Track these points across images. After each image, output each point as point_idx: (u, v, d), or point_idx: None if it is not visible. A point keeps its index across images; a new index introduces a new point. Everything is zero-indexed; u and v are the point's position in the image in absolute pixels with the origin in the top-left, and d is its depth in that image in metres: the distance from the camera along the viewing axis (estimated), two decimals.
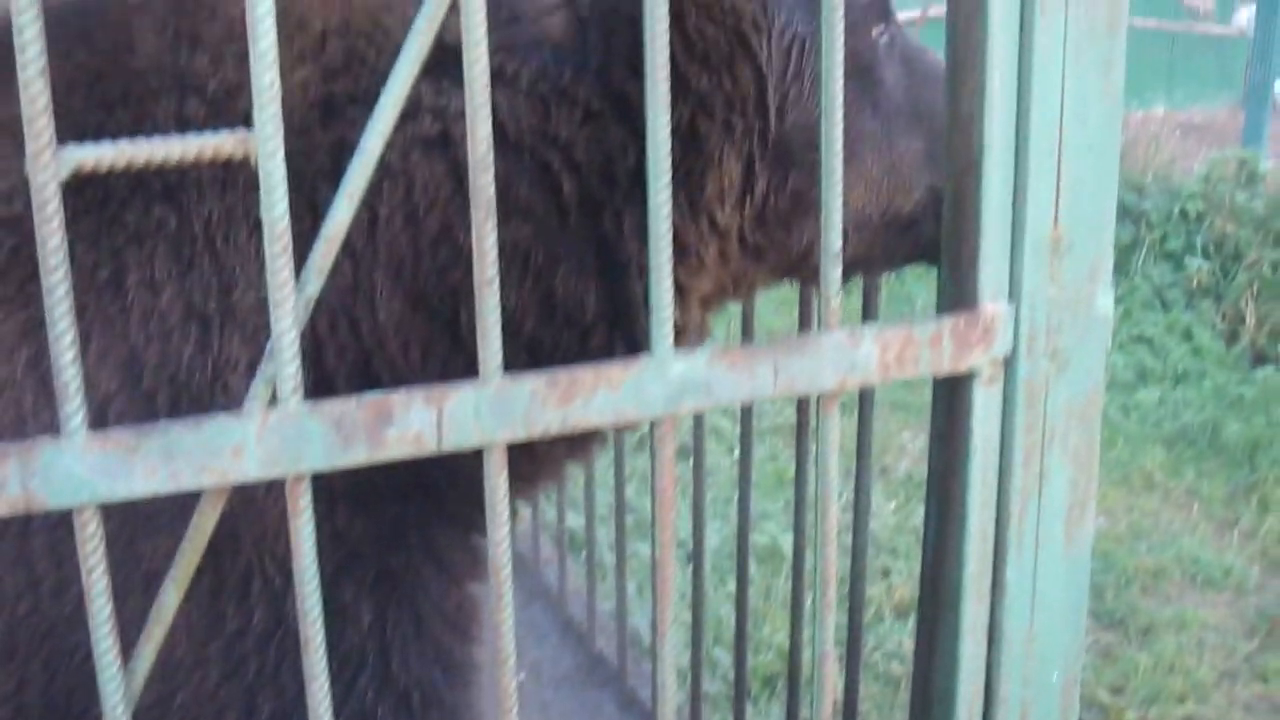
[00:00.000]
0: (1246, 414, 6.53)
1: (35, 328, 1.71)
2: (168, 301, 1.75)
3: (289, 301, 1.30)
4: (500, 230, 1.81)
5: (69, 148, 1.24)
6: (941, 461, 1.67)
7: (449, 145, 1.83)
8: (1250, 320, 7.39)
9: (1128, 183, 8.51)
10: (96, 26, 1.83)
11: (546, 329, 1.90)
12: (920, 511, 5.45)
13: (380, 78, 1.78)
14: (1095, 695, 4.32)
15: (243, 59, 1.78)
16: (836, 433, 1.50)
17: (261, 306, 1.73)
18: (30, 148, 1.22)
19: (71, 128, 1.68)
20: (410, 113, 1.80)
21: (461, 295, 1.82)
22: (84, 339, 1.72)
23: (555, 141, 1.85)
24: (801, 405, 2.65)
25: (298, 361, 1.31)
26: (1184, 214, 8.21)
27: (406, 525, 1.91)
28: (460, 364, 1.67)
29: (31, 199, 1.24)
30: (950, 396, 1.62)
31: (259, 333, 1.75)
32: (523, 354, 1.89)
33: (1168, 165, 9.29)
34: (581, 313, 1.90)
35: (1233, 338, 7.44)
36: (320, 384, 1.80)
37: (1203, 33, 13.34)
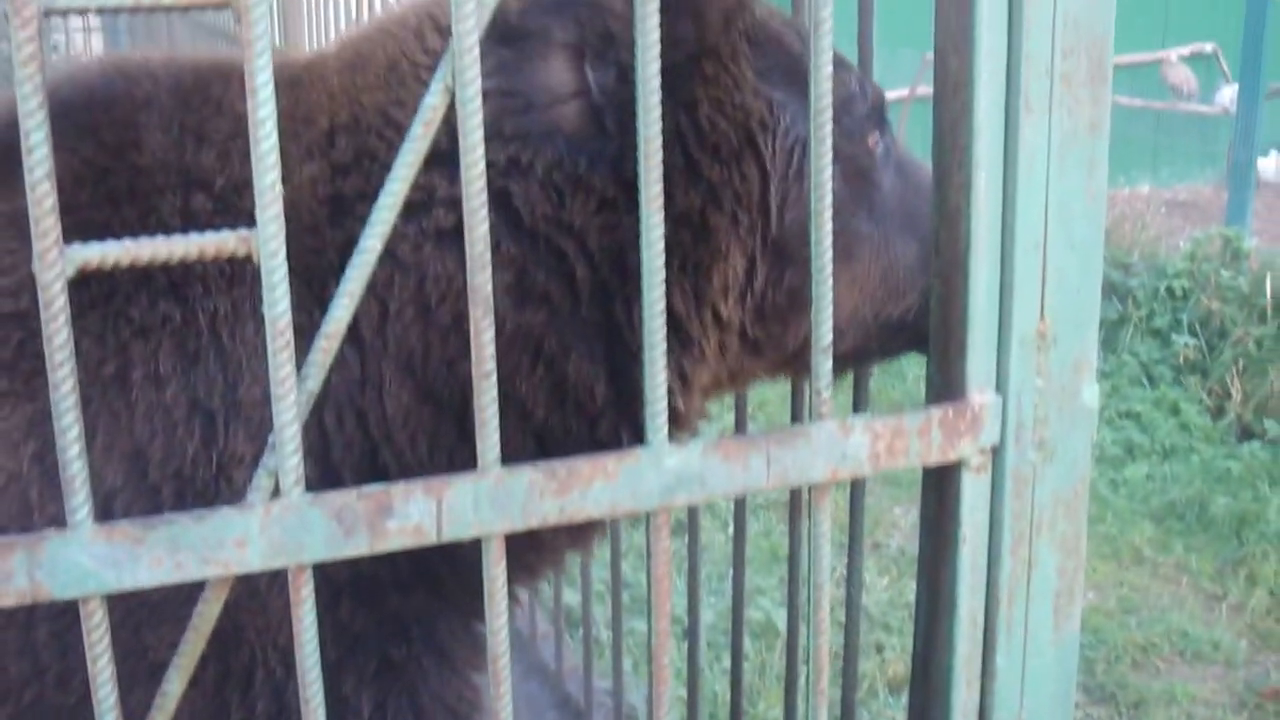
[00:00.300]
0: (1234, 488, 6.56)
1: (41, 421, 1.73)
2: (172, 396, 1.77)
3: (290, 396, 1.33)
4: (515, 315, 1.83)
5: (75, 247, 1.27)
6: (931, 548, 1.69)
7: (463, 237, 1.84)
8: (1236, 396, 7.44)
9: (1115, 260, 8.60)
10: (103, 123, 1.86)
11: (556, 416, 1.91)
12: (913, 587, 5.49)
13: (388, 169, 1.83)
14: None
15: (249, 155, 1.82)
16: (829, 523, 1.53)
17: (266, 400, 1.75)
18: (37, 246, 1.25)
19: (77, 223, 1.71)
20: (423, 205, 1.82)
21: (471, 386, 1.85)
22: (89, 433, 1.73)
23: (570, 229, 1.87)
24: None
25: (299, 454, 1.34)
26: (1170, 291, 8.29)
27: (408, 616, 1.92)
28: (467, 455, 1.69)
29: (38, 296, 1.27)
30: (939, 485, 1.65)
31: (264, 427, 1.77)
32: (531, 441, 1.90)
33: (1154, 242, 9.39)
34: (591, 400, 1.91)
35: (1219, 413, 7.49)
36: (327, 476, 1.81)
37: (1187, 111, 13.50)
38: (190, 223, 1.81)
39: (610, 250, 1.88)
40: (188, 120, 1.88)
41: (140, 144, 1.86)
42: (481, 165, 1.34)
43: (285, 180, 1.81)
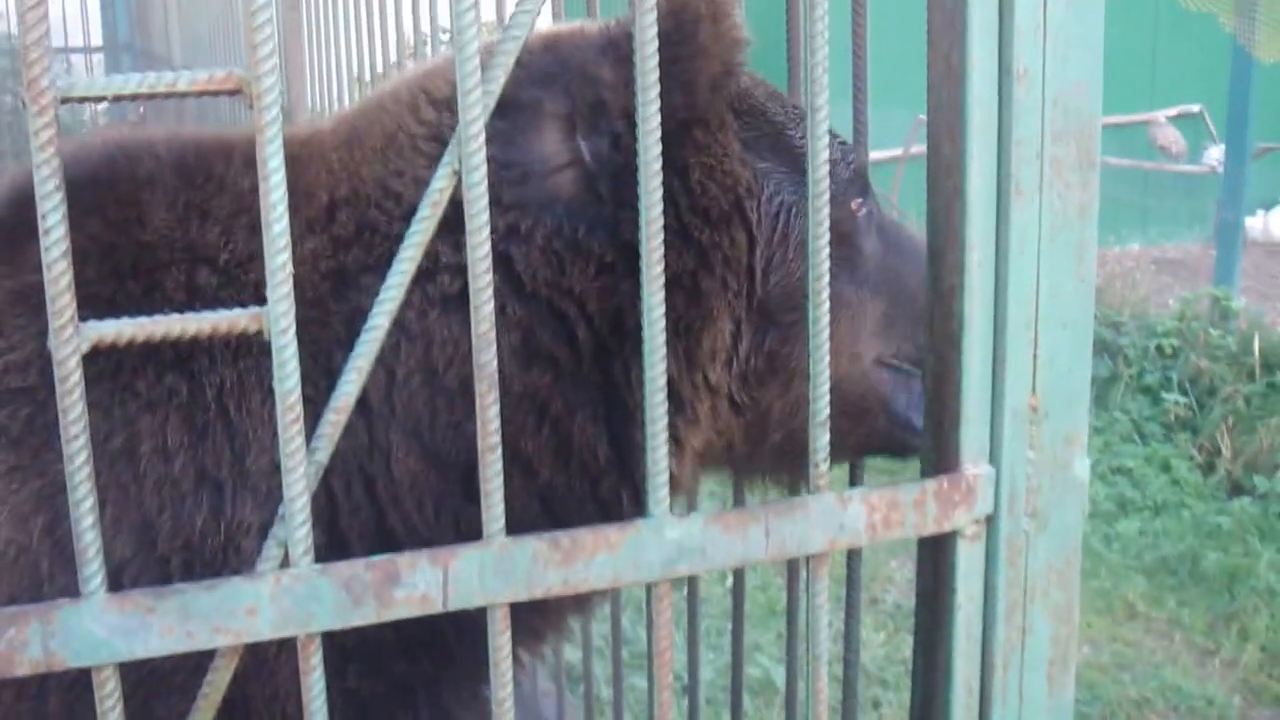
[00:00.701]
0: (1224, 543, 6.58)
1: (51, 495, 1.75)
2: (181, 468, 1.80)
3: (300, 468, 1.36)
4: (521, 377, 1.86)
5: (90, 324, 1.31)
6: (927, 615, 1.72)
7: (465, 300, 1.87)
8: (1226, 452, 7.47)
9: (1105, 319, 8.65)
10: (108, 200, 1.89)
11: (561, 476, 1.94)
12: (909, 642, 5.49)
13: (390, 241, 1.86)
14: None
15: (253, 230, 1.84)
16: (826, 594, 1.56)
17: (274, 470, 1.77)
18: (53, 323, 1.29)
19: (84, 298, 1.73)
20: (428, 272, 1.85)
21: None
22: (100, 505, 1.76)
23: (570, 293, 1.90)
24: None
25: (309, 525, 1.37)
26: (1160, 350, 8.35)
27: (414, 682, 1.94)
28: (473, 518, 1.73)
29: (54, 371, 1.30)
30: (934, 554, 1.68)
31: (271, 496, 1.79)
32: (536, 502, 1.93)
33: (1143, 301, 9.46)
34: (595, 461, 1.94)
35: (1209, 469, 7.51)
36: (334, 542, 1.84)
37: (1175, 171, 13.61)
38: (195, 297, 1.84)
39: (609, 313, 1.91)
40: (191, 198, 1.91)
41: (144, 220, 1.89)
42: (487, 245, 1.38)
43: None
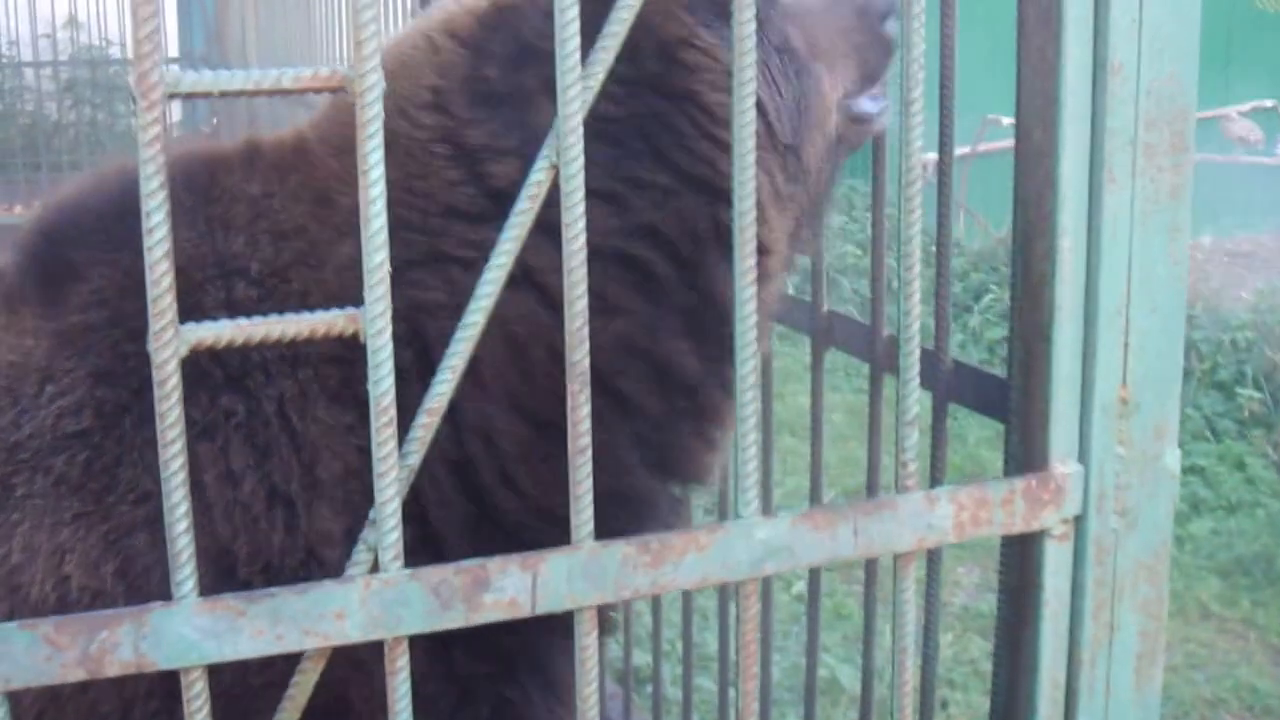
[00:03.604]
0: None
1: (118, 538, 1.76)
2: (250, 490, 1.79)
3: (392, 473, 1.36)
4: (610, 325, 1.85)
5: (189, 326, 1.31)
6: (1012, 612, 1.70)
7: (531, 275, 1.86)
8: None
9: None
10: (136, 230, 1.90)
11: (662, 403, 1.96)
12: (976, 644, 5.46)
13: (428, 235, 1.86)
14: None
15: (275, 235, 1.87)
16: (913, 592, 1.54)
17: (348, 475, 1.77)
18: (153, 326, 1.29)
19: (130, 333, 1.76)
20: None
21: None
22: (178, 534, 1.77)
23: (640, 229, 1.92)
24: None
25: (399, 530, 1.37)
26: (1234, 344, 8.22)
27: (517, 654, 1.93)
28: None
29: (152, 375, 1.31)
30: (1021, 552, 1.66)
31: (349, 501, 1.79)
32: (638, 446, 1.95)
33: (1216, 294, 9.33)
34: (688, 375, 1.96)
35: None
36: (426, 539, 1.83)
37: (1249, 163, 13.44)
38: (236, 311, 1.83)
39: (683, 233, 1.94)
40: (211, 212, 1.90)
41: (174, 242, 1.89)
42: (582, 239, 1.37)
43: (322, 264, 1.86)
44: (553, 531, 1.62)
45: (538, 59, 1.87)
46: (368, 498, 1.39)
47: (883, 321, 2.25)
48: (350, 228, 1.90)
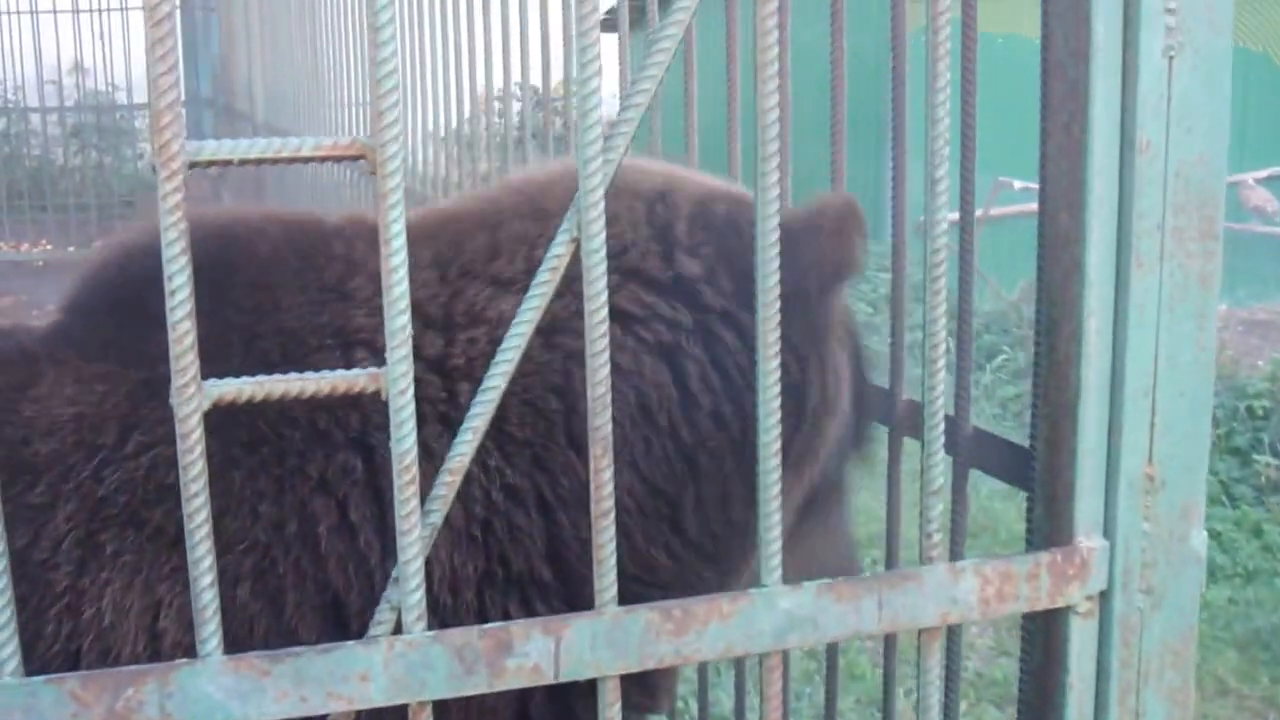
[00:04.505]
0: None
1: (222, 591, 1.78)
2: (366, 543, 1.81)
3: (415, 530, 1.36)
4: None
5: (211, 382, 1.32)
6: (1035, 694, 1.69)
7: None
8: None
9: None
10: (235, 284, 1.91)
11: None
12: (990, 714, 5.42)
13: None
14: None
15: None
16: (938, 669, 1.54)
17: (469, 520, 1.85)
18: (176, 381, 1.30)
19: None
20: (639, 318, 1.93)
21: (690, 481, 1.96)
22: (279, 592, 1.77)
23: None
24: None
25: (423, 590, 1.37)
26: (1250, 411, 8.20)
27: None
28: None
29: (176, 429, 1.32)
30: (1045, 631, 1.66)
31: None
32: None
33: (1233, 363, 9.31)
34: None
35: None
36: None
37: (1264, 233, 13.45)
38: None
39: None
40: (322, 279, 1.92)
41: (280, 306, 1.90)
42: (605, 310, 1.38)
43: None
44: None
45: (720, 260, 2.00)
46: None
47: (902, 385, 2.25)
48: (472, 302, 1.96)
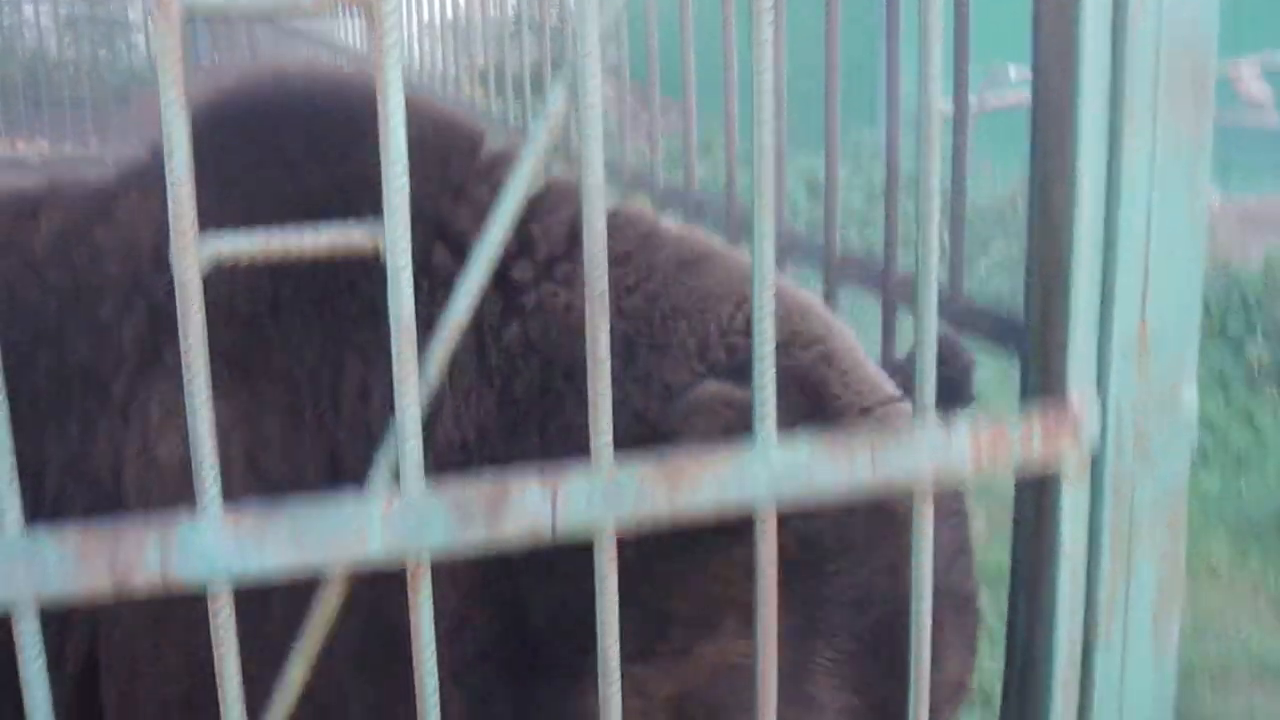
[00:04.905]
0: None
1: (248, 420, 1.85)
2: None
3: (413, 389, 1.37)
4: None
5: (210, 237, 1.32)
6: (1028, 558, 1.71)
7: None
8: None
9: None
10: (339, 141, 2.02)
11: None
12: (986, 595, 5.47)
13: None
14: None
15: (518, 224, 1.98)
16: (931, 525, 1.55)
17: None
18: (175, 239, 1.30)
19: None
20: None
21: None
22: (297, 429, 1.83)
23: None
24: None
25: (420, 443, 1.38)
26: (1243, 299, 8.23)
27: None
28: None
29: (175, 286, 1.32)
30: (1036, 494, 1.67)
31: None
32: None
33: (1226, 251, 9.32)
34: None
35: None
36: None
37: (1257, 125, 13.38)
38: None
39: None
40: (448, 174, 1.99)
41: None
42: (599, 165, 1.37)
43: None
44: None
45: None
46: None
47: (896, 255, 2.26)
48: None
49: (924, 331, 1.51)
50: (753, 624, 1.87)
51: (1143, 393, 1.61)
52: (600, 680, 1.47)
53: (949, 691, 1.96)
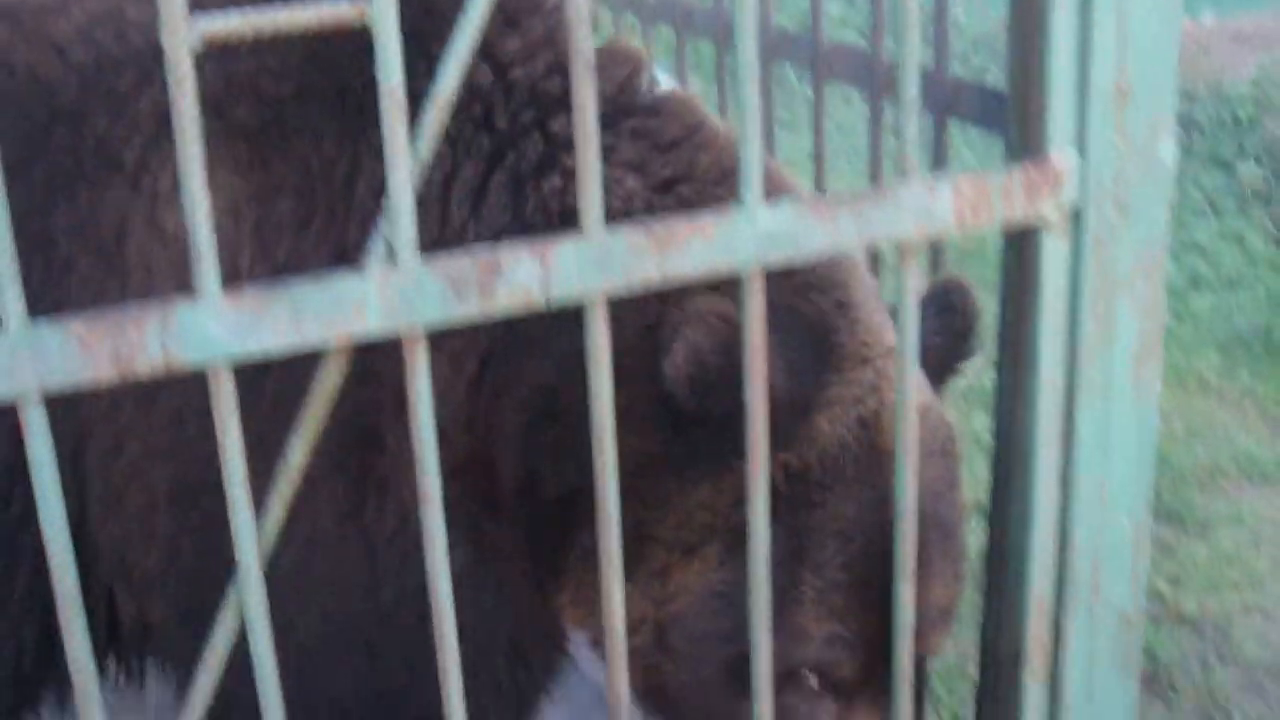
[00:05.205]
0: None
1: (265, 196, 1.93)
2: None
3: (405, 165, 1.38)
4: None
5: (199, 17, 1.32)
6: (1013, 313, 1.75)
7: None
8: None
9: (1177, 90, 8.46)
10: None
11: None
12: (979, 419, 5.53)
13: None
14: (1155, 586, 4.40)
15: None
16: (915, 282, 1.57)
17: None
18: (165, 20, 1.30)
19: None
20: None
21: None
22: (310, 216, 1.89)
23: None
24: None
25: (414, 221, 1.40)
26: (1235, 119, 8.18)
27: None
28: None
29: (167, 69, 1.32)
30: (1020, 249, 1.70)
31: None
32: None
33: (1218, 72, 9.24)
34: None
35: None
36: None
37: None
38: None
39: None
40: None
41: None
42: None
43: None
44: None
45: None
46: None
47: (882, 42, 2.26)
48: None
49: (906, 82, 1.52)
50: (736, 555, 1.92)
51: (1122, 147, 1.62)
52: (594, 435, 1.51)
53: (936, 616, 2.01)
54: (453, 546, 1.61)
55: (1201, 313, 6.74)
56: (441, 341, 1.97)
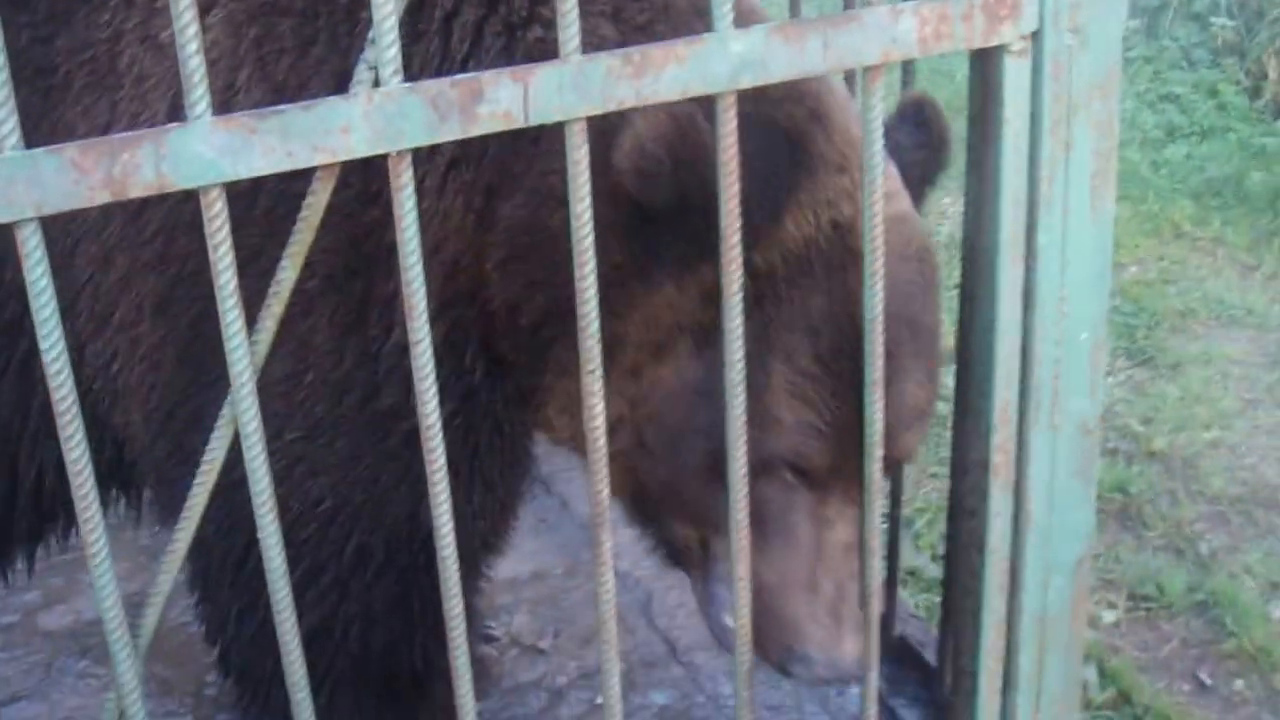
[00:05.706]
0: (1269, 164, 6.60)
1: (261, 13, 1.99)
2: None
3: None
4: None
5: None
6: (978, 138, 1.81)
7: None
8: (1273, 75, 7.39)
9: None
10: None
11: None
12: (956, 274, 5.61)
13: None
14: (1127, 425, 4.51)
15: None
16: (880, 106, 1.63)
17: None
18: None
19: None
20: None
21: None
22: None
23: None
24: None
25: (398, 45, 1.44)
26: None
27: None
28: None
29: None
30: (983, 74, 1.76)
31: None
32: None
33: None
34: None
35: (1256, 93, 7.46)
36: None
37: None
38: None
39: None
40: None
41: None
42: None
43: None
44: None
45: None
46: None
47: None
48: None
49: None
50: (705, 351, 1.97)
51: None
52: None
53: (909, 417, 2.06)
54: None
55: (1176, 162, 6.79)
56: (452, 174, 2.04)
